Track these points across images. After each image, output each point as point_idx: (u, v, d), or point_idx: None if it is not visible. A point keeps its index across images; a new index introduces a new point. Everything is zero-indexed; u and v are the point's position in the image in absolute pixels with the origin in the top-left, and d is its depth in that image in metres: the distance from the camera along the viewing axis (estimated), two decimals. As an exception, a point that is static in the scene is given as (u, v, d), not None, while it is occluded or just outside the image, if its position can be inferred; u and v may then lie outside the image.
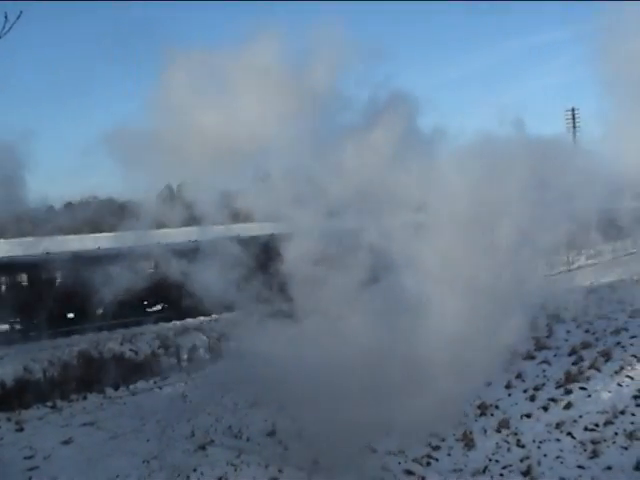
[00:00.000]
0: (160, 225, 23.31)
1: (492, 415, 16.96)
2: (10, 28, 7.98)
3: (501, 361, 15.76)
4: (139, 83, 67.44)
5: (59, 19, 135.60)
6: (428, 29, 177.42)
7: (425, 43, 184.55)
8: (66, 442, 17.70)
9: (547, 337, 23.61)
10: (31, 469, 16.00)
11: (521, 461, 14.35)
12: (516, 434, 15.79)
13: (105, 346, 27.53)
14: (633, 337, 21.86)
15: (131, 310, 31.92)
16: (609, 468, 13.57)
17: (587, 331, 24.15)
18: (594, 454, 14.23)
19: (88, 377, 23.79)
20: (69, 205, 30.03)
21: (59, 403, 21.45)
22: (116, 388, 23.11)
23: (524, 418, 16.61)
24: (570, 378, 18.57)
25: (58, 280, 33.26)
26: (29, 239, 26.34)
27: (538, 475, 13.55)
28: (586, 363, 19.79)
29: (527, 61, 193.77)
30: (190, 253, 22.36)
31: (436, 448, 15.31)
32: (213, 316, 30.92)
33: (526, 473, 13.64)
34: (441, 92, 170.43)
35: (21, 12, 8.01)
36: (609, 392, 17.44)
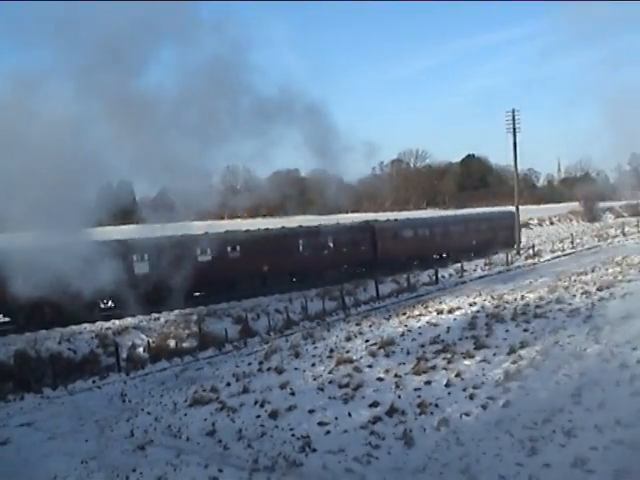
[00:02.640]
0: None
1: (432, 413, 17.08)
2: None
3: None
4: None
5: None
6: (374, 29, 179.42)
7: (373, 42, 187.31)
8: (3, 443, 17.44)
9: (486, 336, 23.82)
10: (-34, 471, 15.71)
11: (460, 459, 14.45)
12: (455, 432, 15.90)
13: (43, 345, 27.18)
14: (571, 336, 22.11)
15: None
16: (547, 465, 13.73)
17: (526, 330, 24.35)
18: (532, 452, 14.40)
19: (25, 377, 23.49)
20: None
21: (-5, 403, 21.06)
22: (54, 388, 22.78)
23: (463, 417, 16.74)
24: (509, 377, 18.77)
25: None
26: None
27: (477, 473, 13.67)
28: (524, 362, 19.97)
29: (469, 62, 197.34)
30: None
31: (376, 447, 15.40)
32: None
33: (465, 471, 13.74)
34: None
35: None
36: (547, 390, 17.65)
